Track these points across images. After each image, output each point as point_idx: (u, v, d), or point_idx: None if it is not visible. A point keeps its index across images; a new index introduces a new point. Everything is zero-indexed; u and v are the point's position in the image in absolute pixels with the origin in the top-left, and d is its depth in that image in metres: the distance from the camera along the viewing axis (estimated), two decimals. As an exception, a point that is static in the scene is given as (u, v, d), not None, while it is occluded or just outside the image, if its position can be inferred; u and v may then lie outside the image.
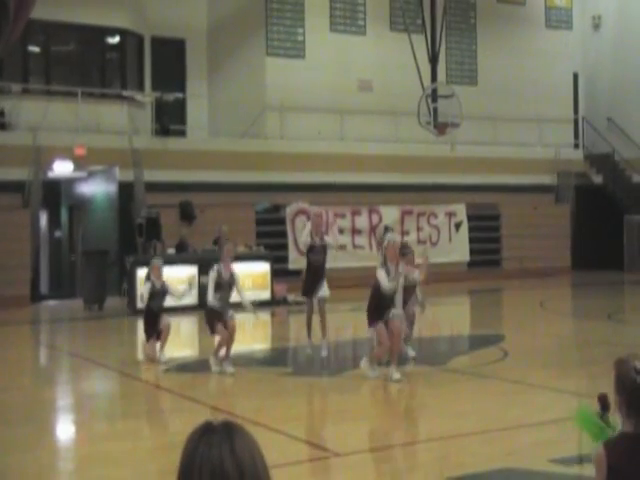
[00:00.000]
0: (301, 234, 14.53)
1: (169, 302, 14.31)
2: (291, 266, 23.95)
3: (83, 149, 23.55)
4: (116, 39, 26.69)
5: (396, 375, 11.34)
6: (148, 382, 12.54)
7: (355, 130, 27.96)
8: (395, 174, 27.39)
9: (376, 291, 11.57)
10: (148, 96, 26.73)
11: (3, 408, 10.61)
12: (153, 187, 23.99)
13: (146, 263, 15.75)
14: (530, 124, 31.06)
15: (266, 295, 22.10)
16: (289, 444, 8.52)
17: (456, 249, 28.04)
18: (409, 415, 10.53)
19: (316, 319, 13.83)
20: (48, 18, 24.07)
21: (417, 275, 12.29)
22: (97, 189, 26.07)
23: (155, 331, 13.52)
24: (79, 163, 24.04)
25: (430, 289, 20.59)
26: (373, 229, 24.90)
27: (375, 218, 26.18)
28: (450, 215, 28.03)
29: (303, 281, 13.95)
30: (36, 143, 22.98)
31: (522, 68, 31.57)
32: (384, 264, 11.46)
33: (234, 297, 12.76)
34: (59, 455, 8.85)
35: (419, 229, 27.12)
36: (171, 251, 21.48)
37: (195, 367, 13.32)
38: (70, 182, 27.05)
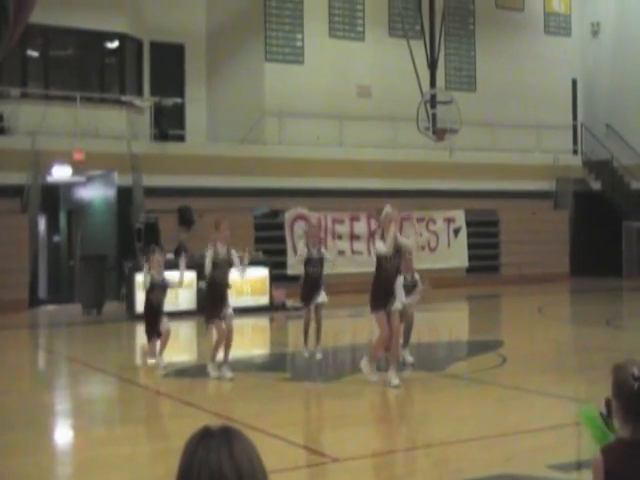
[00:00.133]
0: (299, 242, 14.54)
1: (167, 307, 14.29)
2: (290, 271, 23.92)
3: (82, 154, 23.56)
4: (115, 44, 26.70)
5: (395, 381, 11.34)
6: (147, 387, 12.53)
7: (354, 135, 27.98)
8: (394, 180, 27.40)
9: (378, 273, 11.65)
10: (147, 101, 26.74)
11: (2, 412, 10.60)
12: (152, 192, 24.00)
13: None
14: (529, 130, 31.08)
15: (265, 300, 22.12)
16: (287, 449, 8.51)
17: (455, 255, 28.05)
18: (407, 421, 10.51)
19: (313, 325, 13.84)
20: (47, 23, 24.11)
21: (408, 241, 12.21)
22: (96, 194, 26.07)
23: (156, 331, 13.50)
24: (78, 168, 24.04)
25: (429, 295, 20.61)
26: (372, 235, 24.90)
27: (374, 224, 26.16)
28: (449, 221, 28.04)
29: (301, 288, 13.96)
30: (35, 147, 22.99)
31: (521, 74, 31.61)
32: (382, 237, 11.62)
33: (234, 299, 12.75)
34: (58, 459, 8.84)
35: (417, 235, 27.10)
36: (170, 256, 21.46)
37: (194, 372, 13.31)
38: (69, 187, 27.05)
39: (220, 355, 12.39)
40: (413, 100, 26.00)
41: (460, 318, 22.60)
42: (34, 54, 26.08)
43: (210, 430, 2.41)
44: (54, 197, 27.32)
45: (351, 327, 20.38)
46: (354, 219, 26.25)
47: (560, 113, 32.57)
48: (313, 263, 13.40)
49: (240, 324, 18.45)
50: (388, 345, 11.66)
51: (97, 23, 25.52)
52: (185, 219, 23.76)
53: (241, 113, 27.36)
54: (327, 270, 14.03)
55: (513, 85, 31.34)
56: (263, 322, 21.25)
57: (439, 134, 25.94)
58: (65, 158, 23.50)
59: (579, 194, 31.70)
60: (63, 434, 10.11)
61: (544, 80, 32.00)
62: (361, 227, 26.26)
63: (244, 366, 13.70)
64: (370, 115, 28.18)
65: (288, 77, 27.46)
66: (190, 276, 20.46)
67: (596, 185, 32.75)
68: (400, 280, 11.95)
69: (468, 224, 28.31)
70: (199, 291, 20.19)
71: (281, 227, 25.06)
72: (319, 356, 13.48)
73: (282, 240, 24.84)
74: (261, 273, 22.30)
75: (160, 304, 13.67)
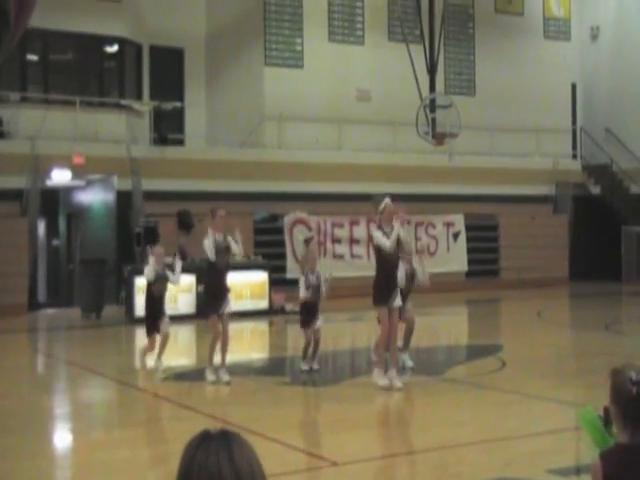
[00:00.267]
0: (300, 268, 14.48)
1: (167, 311, 14.28)
2: (289, 275, 23.89)
3: (81, 158, 23.57)
4: (114, 48, 26.72)
5: (398, 383, 11.41)
6: (146, 391, 12.53)
7: (353, 140, 27.99)
8: (393, 184, 27.34)
9: (380, 264, 11.76)
10: (146, 105, 26.76)
11: (1, 416, 10.59)
12: (151, 196, 24.00)
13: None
14: (528, 134, 31.10)
15: (264, 304, 22.12)
16: (286, 453, 8.51)
17: (454, 259, 28.02)
18: (407, 425, 10.51)
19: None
20: (46, 27, 24.09)
21: (403, 233, 12.26)
22: (95, 198, 26.07)
23: (155, 327, 13.48)
24: (77, 172, 24.05)
25: (428, 299, 20.64)
26: (371, 239, 24.88)
27: (373, 228, 26.12)
28: (448, 225, 28.01)
29: (300, 314, 13.78)
30: (34, 152, 23.00)
31: (520, 78, 31.64)
32: (380, 227, 11.79)
33: (233, 303, 12.75)
34: (57, 463, 8.84)
35: (417, 239, 27.09)
36: (169, 260, 21.43)
37: (193, 376, 13.31)
38: (68, 191, 27.06)
39: (217, 359, 12.39)
40: (412, 104, 26.02)
41: (459, 322, 22.60)
42: (34, 58, 26.09)
43: (209, 434, 2.41)
44: (54, 201, 27.34)
45: (350, 331, 20.38)
46: (353, 223, 26.22)
47: (559, 117, 32.59)
48: (312, 290, 13.37)
49: (239, 328, 18.51)
50: (388, 344, 11.73)
51: (97, 27, 25.54)
52: (184, 223, 23.71)
53: (241, 117, 27.38)
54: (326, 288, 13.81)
55: (512, 89, 31.36)
56: (262, 326, 21.25)
57: (438, 138, 25.96)
58: (65, 162, 23.51)
59: (578, 198, 31.71)
60: (62, 438, 10.10)
61: (543, 84, 32.03)
62: (360, 231, 26.22)
63: (243, 370, 13.70)
64: (369, 119, 28.20)
65: (287, 81, 27.48)
66: (189, 280, 20.49)
67: (595, 189, 32.77)
68: (402, 271, 12.14)
69: (467, 228, 28.29)
70: (198, 295, 20.20)
71: (280, 231, 25.03)
72: (316, 367, 13.45)
73: (281, 244, 24.81)
74: (260, 277, 22.32)
75: (161, 297, 13.66)
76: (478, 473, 7.59)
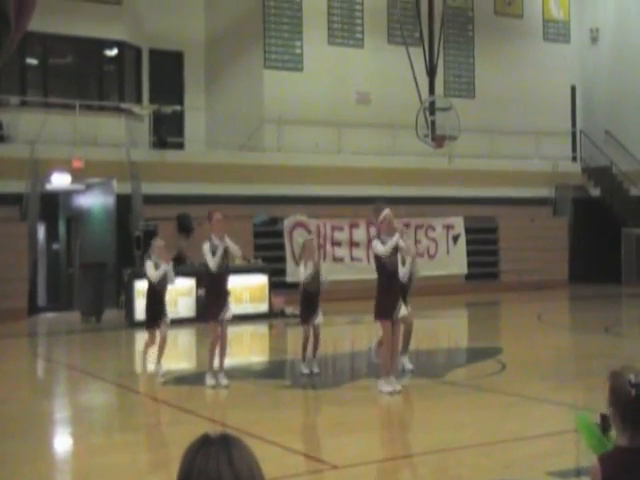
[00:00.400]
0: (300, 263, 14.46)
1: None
2: (289, 278, 23.90)
3: (81, 161, 23.57)
4: (114, 51, 26.72)
5: (397, 387, 11.43)
6: (146, 394, 12.54)
7: (353, 143, 27.99)
8: (393, 187, 27.37)
9: (380, 273, 11.73)
10: (146, 108, 26.76)
11: (1, 420, 10.59)
12: (151, 200, 23.99)
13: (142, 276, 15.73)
14: (528, 137, 31.09)
15: (264, 308, 22.12)
16: (286, 456, 8.51)
17: (454, 262, 28.03)
18: (406, 427, 10.52)
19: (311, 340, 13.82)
20: (46, 30, 24.06)
21: (407, 246, 12.32)
22: (95, 201, 26.07)
23: (156, 324, 13.46)
24: (77, 175, 24.04)
25: (428, 302, 20.64)
26: (371, 242, 24.88)
27: (373, 231, 26.13)
28: (448, 228, 28.03)
29: (300, 307, 13.85)
30: (34, 155, 22.99)
31: (520, 81, 31.64)
32: (378, 236, 11.80)
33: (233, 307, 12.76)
34: (58, 467, 8.84)
35: (417, 242, 27.09)
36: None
37: (193, 379, 13.31)
38: (68, 194, 27.05)
39: (216, 363, 12.39)
40: (412, 107, 26.01)
41: (459, 325, 22.59)
42: (33, 62, 26.10)
43: (209, 437, 2.41)
44: (53, 205, 27.32)
45: (350, 334, 20.38)
46: (353, 226, 26.24)
47: (559, 120, 32.60)
48: (311, 277, 13.37)
49: (239, 331, 18.51)
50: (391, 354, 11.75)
51: (96, 31, 25.54)
52: (184, 227, 23.74)
53: (240, 120, 27.37)
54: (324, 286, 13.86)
55: (512, 92, 31.37)
56: (262, 329, 21.25)
57: (438, 141, 25.95)
58: (64, 166, 23.51)
59: (578, 201, 31.71)
60: (62, 442, 10.10)
61: (543, 87, 32.04)
62: (360, 234, 26.23)
63: (243, 373, 13.70)
64: (369, 122, 28.20)
65: (287, 84, 27.48)
66: (189, 283, 20.51)
67: (595, 192, 32.77)
68: (405, 270, 12.25)
69: (467, 231, 28.30)
70: (198, 298, 20.20)
71: (280, 234, 25.05)
72: (316, 370, 13.45)
73: (281, 247, 24.83)
74: (260, 280, 22.31)
75: (162, 291, 13.65)
76: (478, 476, 7.59)
